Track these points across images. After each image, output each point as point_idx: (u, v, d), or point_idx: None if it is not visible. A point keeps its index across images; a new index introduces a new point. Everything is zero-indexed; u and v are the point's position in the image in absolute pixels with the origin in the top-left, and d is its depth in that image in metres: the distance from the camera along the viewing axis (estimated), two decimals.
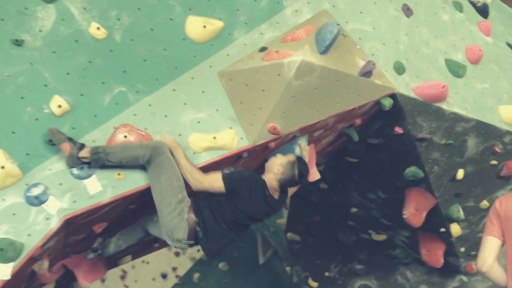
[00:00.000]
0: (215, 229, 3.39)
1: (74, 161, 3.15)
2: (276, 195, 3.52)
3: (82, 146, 3.16)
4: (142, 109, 3.46)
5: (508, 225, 2.90)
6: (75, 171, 3.20)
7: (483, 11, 4.82)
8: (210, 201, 3.42)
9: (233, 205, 3.38)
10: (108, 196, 3.22)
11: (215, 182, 3.36)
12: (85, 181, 3.21)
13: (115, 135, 3.34)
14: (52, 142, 3.14)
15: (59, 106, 3.22)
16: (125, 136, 3.34)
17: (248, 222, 3.52)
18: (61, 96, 3.25)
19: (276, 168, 3.50)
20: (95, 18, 3.37)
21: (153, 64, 3.51)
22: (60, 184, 3.15)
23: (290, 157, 3.54)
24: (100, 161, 3.16)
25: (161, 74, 3.54)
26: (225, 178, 3.36)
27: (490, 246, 2.94)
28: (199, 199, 3.44)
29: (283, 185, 3.54)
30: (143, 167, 3.34)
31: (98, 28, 3.35)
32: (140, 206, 3.61)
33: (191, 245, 3.45)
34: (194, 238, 3.38)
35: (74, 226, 3.29)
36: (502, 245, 2.97)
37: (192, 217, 3.33)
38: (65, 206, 3.12)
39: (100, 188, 3.22)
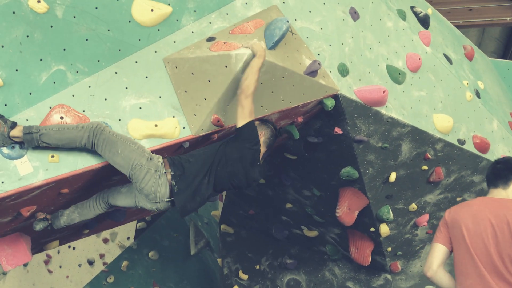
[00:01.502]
0: (194, 185, 3.30)
1: (5, 140, 2.98)
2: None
3: (14, 125, 3.00)
4: (81, 90, 3.33)
5: (454, 233, 3.04)
6: (5, 150, 3.04)
7: (424, 22, 4.99)
8: (214, 155, 3.36)
9: (236, 166, 3.36)
10: (39, 179, 3.08)
11: (248, 113, 3.32)
12: (15, 161, 3.06)
13: (51, 115, 3.20)
14: None
15: None
16: (62, 117, 3.20)
17: (235, 184, 3.49)
18: None
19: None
20: None
21: (95, 44, 3.38)
22: None
23: (256, 122, 3.54)
24: (33, 141, 3.01)
25: (103, 55, 3.41)
26: (250, 124, 3.33)
27: (437, 252, 3.09)
28: (180, 156, 3.38)
29: (269, 146, 3.58)
30: (79, 150, 3.22)
31: (38, 1, 3.17)
32: (73, 191, 3.48)
33: (172, 204, 3.34)
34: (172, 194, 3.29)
35: (0, 208, 3.13)
36: (451, 252, 3.12)
37: (169, 170, 3.24)
38: None
39: (31, 170, 3.08)
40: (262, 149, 3.52)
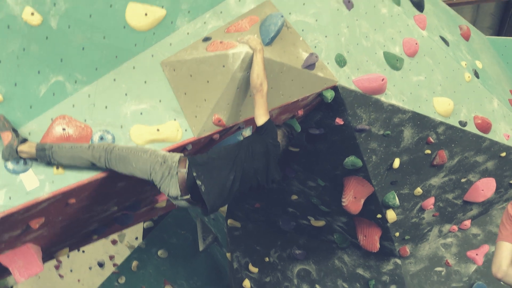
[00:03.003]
0: (221, 182, 3.30)
1: (11, 153, 3.01)
2: None
3: (24, 140, 3.04)
4: (81, 100, 3.33)
5: None
6: (10, 165, 3.05)
7: (419, 5, 4.97)
8: (238, 152, 3.36)
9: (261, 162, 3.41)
10: (46, 192, 3.10)
11: (264, 112, 3.38)
12: (21, 175, 3.08)
13: (53, 127, 3.20)
14: None
15: None
16: (64, 129, 3.21)
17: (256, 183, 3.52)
18: None
19: None
20: (29, 2, 3.16)
21: (92, 52, 3.37)
22: None
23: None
24: (45, 158, 3.06)
25: (101, 63, 3.41)
26: (270, 121, 3.42)
27: (504, 251, 2.94)
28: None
29: (283, 148, 3.69)
30: None
31: (32, 14, 3.16)
32: (80, 200, 3.49)
33: (190, 202, 3.32)
34: (188, 192, 3.27)
35: (9, 222, 3.14)
36: None
37: (182, 170, 3.23)
38: (0, 203, 2.97)
39: (38, 184, 3.10)
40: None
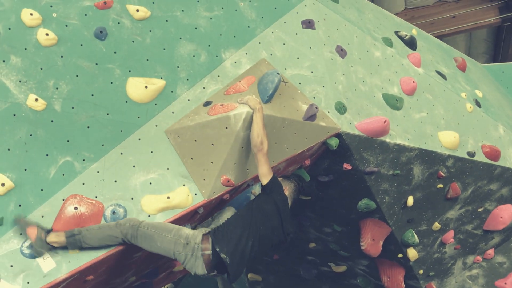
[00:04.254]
0: (240, 250, 3.31)
1: (44, 246, 3.07)
2: None
3: (50, 231, 3.11)
4: (90, 177, 3.39)
5: None
6: (26, 250, 3.09)
7: (411, 44, 5.06)
8: (252, 219, 3.39)
9: (275, 222, 3.44)
10: (63, 272, 3.12)
11: (267, 170, 3.41)
12: (37, 259, 3.10)
13: (65, 207, 3.25)
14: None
15: (2, 185, 3.12)
16: (76, 208, 3.25)
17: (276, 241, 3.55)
18: (3, 174, 3.16)
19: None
20: (32, 89, 3.30)
21: (97, 129, 3.46)
22: (11, 266, 3.04)
23: (279, 178, 3.67)
24: (76, 243, 3.12)
25: (107, 139, 3.49)
26: (275, 177, 3.45)
27: None
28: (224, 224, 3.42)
29: (294, 200, 3.71)
30: None
31: (36, 100, 3.28)
32: (97, 275, 3.49)
33: (216, 276, 3.37)
34: (214, 269, 3.30)
35: None
36: None
37: (207, 252, 3.25)
38: None
39: (54, 265, 3.12)
40: (288, 202, 3.60)
